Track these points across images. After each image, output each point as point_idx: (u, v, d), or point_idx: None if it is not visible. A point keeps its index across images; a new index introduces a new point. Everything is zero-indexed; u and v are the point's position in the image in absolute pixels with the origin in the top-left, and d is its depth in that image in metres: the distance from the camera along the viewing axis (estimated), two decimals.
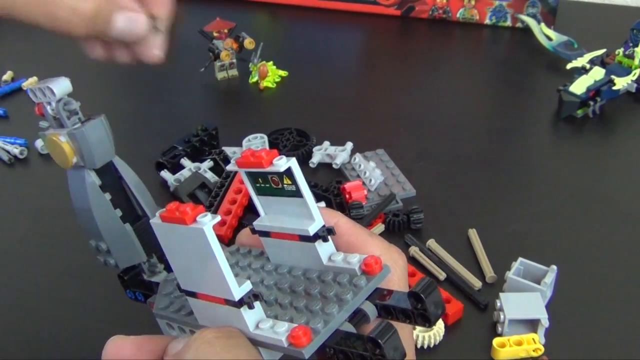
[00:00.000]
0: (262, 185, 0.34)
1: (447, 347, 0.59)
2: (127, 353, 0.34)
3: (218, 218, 0.30)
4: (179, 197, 0.73)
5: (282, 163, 0.32)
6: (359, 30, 1.10)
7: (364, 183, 0.74)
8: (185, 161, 0.77)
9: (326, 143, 0.81)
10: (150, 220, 0.32)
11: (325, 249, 0.34)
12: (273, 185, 0.34)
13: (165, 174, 0.76)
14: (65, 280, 0.65)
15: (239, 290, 0.30)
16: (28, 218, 0.73)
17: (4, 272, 0.67)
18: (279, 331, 0.30)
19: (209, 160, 0.78)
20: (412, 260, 0.67)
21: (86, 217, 0.38)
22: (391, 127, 0.87)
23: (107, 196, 0.38)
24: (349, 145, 0.80)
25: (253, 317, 0.31)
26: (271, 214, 0.35)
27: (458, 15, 1.09)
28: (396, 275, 0.34)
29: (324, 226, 0.33)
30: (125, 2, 0.38)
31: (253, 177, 0.34)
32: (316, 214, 0.33)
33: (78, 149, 0.36)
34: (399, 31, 1.10)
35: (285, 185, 0.33)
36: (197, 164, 0.77)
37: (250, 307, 0.30)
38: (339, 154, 0.79)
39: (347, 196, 0.71)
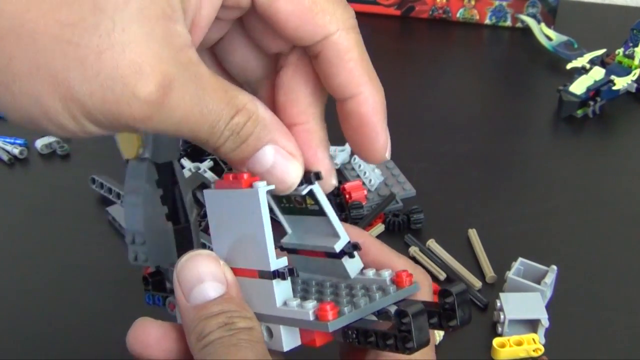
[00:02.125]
0: (286, 205, 0.35)
1: (447, 347, 0.59)
2: (152, 337, 0.34)
3: (273, 186, 0.30)
4: None
5: (302, 187, 0.32)
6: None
7: (363, 183, 0.74)
8: (185, 161, 0.77)
9: None
10: (204, 190, 0.33)
11: (352, 265, 0.34)
12: (296, 205, 0.34)
13: None
14: (65, 280, 0.65)
15: (276, 261, 0.30)
16: (28, 218, 0.73)
17: (3, 272, 0.67)
18: (307, 306, 0.30)
19: (208, 160, 0.78)
20: (413, 260, 0.67)
21: (133, 206, 0.39)
22: (391, 127, 0.86)
23: (159, 191, 0.39)
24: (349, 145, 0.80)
25: (282, 293, 0.31)
26: (297, 231, 0.36)
27: (458, 15, 1.09)
28: (420, 296, 0.34)
29: (349, 242, 0.33)
30: (281, 134, 0.30)
31: (277, 197, 0.35)
32: (341, 231, 0.33)
33: (148, 141, 0.37)
34: (399, 31, 1.10)
35: (308, 206, 0.33)
36: (197, 164, 0.77)
37: (284, 278, 0.30)
38: (339, 154, 0.78)
39: (347, 196, 0.71)
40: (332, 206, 0.33)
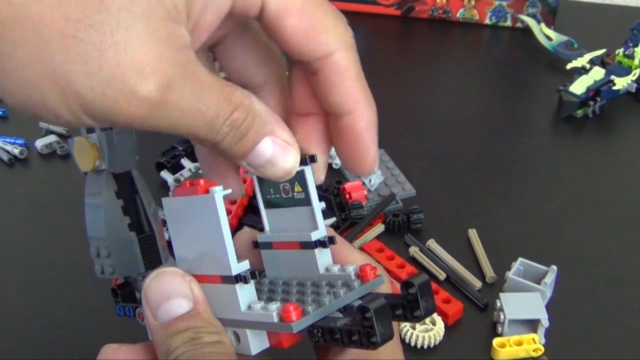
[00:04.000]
0: (273, 196, 0.35)
1: (447, 347, 0.59)
2: None
3: (229, 190, 0.31)
4: None
5: (297, 167, 0.33)
6: (358, 30, 1.09)
7: (363, 183, 0.74)
8: (185, 161, 0.77)
9: None
10: (162, 198, 0.33)
11: (323, 258, 0.34)
12: (283, 195, 0.34)
13: (165, 174, 0.76)
14: (64, 280, 0.65)
15: (237, 266, 0.31)
16: (28, 218, 0.73)
17: (3, 272, 0.67)
18: (270, 308, 0.30)
19: None
20: (412, 260, 0.67)
21: (95, 219, 0.39)
22: (391, 127, 0.87)
23: (120, 202, 0.38)
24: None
25: (246, 297, 0.31)
26: (275, 227, 0.36)
27: (458, 15, 1.09)
28: (383, 289, 0.34)
29: (325, 235, 0.34)
30: (277, 125, 0.31)
31: (265, 186, 0.35)
32: (320, 222, 0.34)
33: (103, 152, 0.37)
34: (399, 31, 1.10)
35: (295, 194, 0.34)
36: (197, 164, 0.77)
37: (246, 282, 0.31)
38: None
39: (347, 196, 0.71)
40: (319, 194, 0.34)
